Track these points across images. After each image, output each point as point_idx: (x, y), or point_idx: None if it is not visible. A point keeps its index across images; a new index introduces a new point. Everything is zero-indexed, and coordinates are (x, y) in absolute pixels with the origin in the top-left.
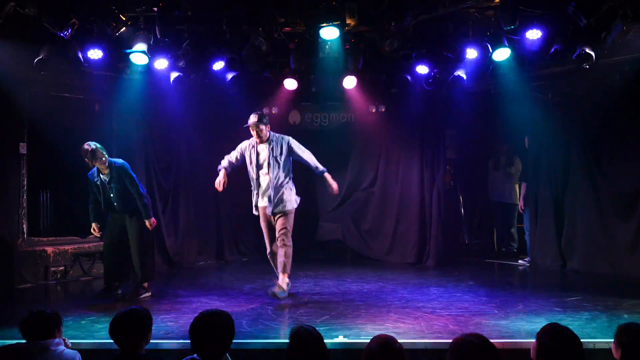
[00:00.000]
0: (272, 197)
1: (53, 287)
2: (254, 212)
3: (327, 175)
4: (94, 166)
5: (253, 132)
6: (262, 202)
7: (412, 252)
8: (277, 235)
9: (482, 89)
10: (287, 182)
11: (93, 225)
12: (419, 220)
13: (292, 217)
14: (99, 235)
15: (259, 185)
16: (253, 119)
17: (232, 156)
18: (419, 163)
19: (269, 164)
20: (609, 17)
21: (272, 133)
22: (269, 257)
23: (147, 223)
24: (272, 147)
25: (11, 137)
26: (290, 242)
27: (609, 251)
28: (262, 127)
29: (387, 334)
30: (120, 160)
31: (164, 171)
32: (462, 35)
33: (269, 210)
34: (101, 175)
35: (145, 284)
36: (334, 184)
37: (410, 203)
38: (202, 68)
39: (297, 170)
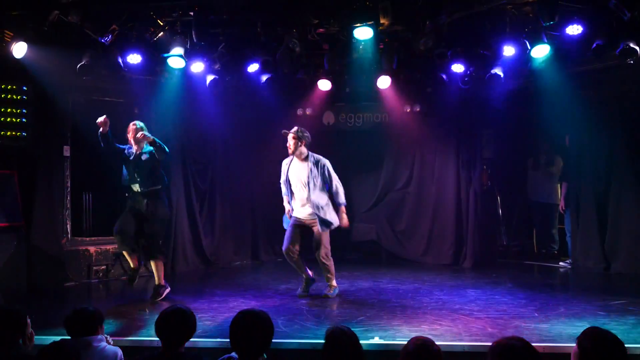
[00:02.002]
0: (317, 214)
1: (95, 286)
2: (289, 217)
3: (343, 209)
4: (132, 143)
5: (288, 144)
6: (301, 214)
7: (448, 253)
8: (322, 251)
9: (520, 86)
10: (328, 203)
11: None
12: (455, 221)
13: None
14: None
15: (295, 198)
16: (294, 128)
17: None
18: (455, 163)
19: (307, 183)
20: None
21: (310, 153)
22: (287, 254)
23: None
24: (311, 168)
25: (56, 140)
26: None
27: None
28: (297, 141)
29: (424, 336)
30: None
31: (201, 172)
32: (499, 32)
33: (310, 222)
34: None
35: (163, 281)
36: (345, 219)
37: (446, 203)
38: (237, 70)
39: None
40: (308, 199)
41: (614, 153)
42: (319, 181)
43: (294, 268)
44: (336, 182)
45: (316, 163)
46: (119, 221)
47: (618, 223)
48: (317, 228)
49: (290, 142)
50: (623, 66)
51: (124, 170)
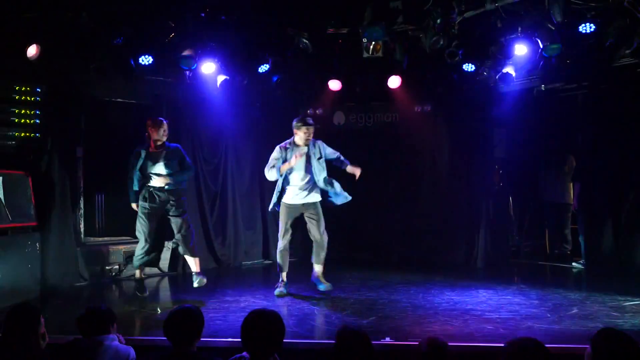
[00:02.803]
0: (314, 192)
1: (108, 285)
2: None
3: (351, 165)
4: (156, 139)
5: (307, 134)
6: (298, 199)
7: (460, 253)
8: (323, 225)
9: (532, 85)
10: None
11: (134, 205)
12: (466, 221)
13: None
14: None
15: (291, 184)
16: (311, 121)
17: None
18: (467, 163)
19: (310, 164)
20: None
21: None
22: (286, 249)
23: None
24: (313, 151)
25: (69, 141)
26: None
27: None
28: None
29: (436, 336)
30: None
31: (212, 173)
32: (511, 31)
33: (305, 205)
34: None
35: (199, 268)
36: (358, 167)
37: (458, 203)
38: (248, 71)
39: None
40: (310, 181)
41: (628, 152)
42: (322, 161)
43: (280, 265)
44: (335, 151)
45: (314, 144)
46: (148, 223)
47: (632, 223)
48: (313, 210)
49: (312, 132)
50: (636, 65)
51: (146, 171)
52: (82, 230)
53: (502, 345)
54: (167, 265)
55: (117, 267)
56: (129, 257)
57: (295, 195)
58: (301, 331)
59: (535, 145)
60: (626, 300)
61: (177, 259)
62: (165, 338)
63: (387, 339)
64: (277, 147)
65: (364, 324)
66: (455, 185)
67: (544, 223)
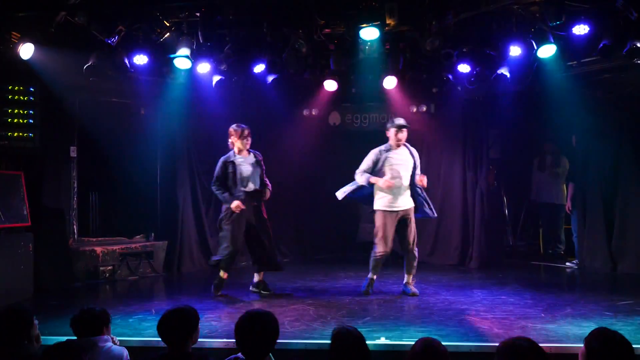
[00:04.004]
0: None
1: (102, 286)
2: (387, 209)
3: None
4: (239, 147)
5: (401, 135)
6: (401, 203)
7: (455, 254)
8: (412, 238)
9: (526, 86)
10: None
11: (238, 202)
12: (461, 222)
13: None
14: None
15: (399, 187)
16: (404, 121)
17: (368, 167)
18: (461, 163)
19: (411, 170)
20: None
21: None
22: (379, 257)
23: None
24: (413, 155)
25: (63, 141)
26: None
27: None
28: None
29: (431, 336)
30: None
31: (207, 173)
32: (506, 32)
33: (407, 210)
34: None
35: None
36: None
37: (453, 204)
38: (244, 71)
39: (335, 170)
40: (408, 186)
41: (621, 153)
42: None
43: (378, 266)
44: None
45: (412, 151)
46: (238, 229)
47: (625, 223)
48: (412, 216)
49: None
50: (630, 66)
51: (235, 177)
52: (75, 230)
53: (497, 344)
54: (162, 266)
55: (111, 267)
56: (124, 257)
57: (397, 201)
58: (297, 331)
59: (529, 146)
60: (619, 300)
61: (171, 260)
62: (159, 339)
63: (383, 339)
64: None
65: (360, 324)
66: (450, 185)
67: (538, 223)
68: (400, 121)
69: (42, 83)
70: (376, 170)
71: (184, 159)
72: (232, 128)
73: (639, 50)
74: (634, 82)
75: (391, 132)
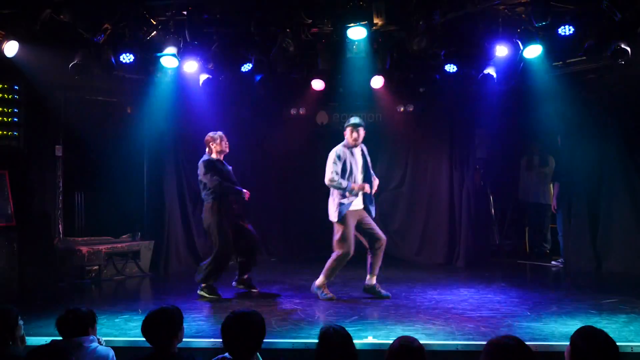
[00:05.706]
0: (372, 200)
1: (88, 286)
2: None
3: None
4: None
5: (356, 135)
6: (358, 205)
7: (442, 253)
8: (378, 234)
9: (512, 86)
10: None
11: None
12: (448, 221)
13: None
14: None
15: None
16: (360, 120)
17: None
18: (448, 162)
19: (366, 168)
20: None
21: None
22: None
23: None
24: (364, 152)
25: (48, 140)
26: None
27: None
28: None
29: (415, 335)
30: None
31: (194, 172)
32: (492, 33)
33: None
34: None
35: None
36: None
37: (440, 203)
38: (231, 70)
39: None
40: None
41: (606, 153)
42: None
43: (338, 270)
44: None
45: (362, 149)
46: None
47: (609, 222)
48: (365, 213)
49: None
50: (614, 67)
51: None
52: (61, 230)
53: (484, 343)
54: (148, 266)
55: (97, 267)
56: (110, 257)
57: (355, 201)
58: (284, 331)
59: (516, 146)
60: (603, 298)
61: (157, 260)
62: (144, 339)
63: (370, 338)
64: None
65: (347, 323)
66: (437, 184)
67: (524, 222)
68: (356, 120)
69: (27, 81)
70: (344, 169)
71: (171, 158)
72: (210, 136)
73: (623, 51)
74: (618, 82)
75: (347, 131)
